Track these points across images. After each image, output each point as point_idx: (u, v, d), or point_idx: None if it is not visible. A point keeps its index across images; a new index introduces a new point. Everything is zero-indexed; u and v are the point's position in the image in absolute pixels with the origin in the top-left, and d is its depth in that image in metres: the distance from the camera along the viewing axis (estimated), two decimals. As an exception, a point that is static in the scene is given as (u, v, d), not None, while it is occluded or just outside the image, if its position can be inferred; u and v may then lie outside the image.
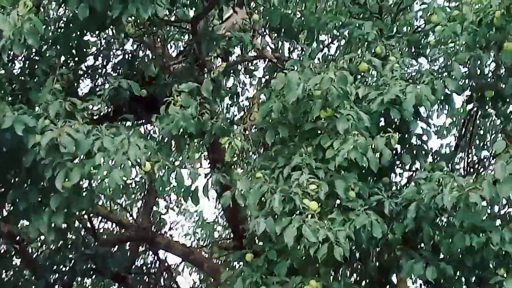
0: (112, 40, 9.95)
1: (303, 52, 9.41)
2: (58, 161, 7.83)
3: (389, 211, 7.88)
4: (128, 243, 12.77)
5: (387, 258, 8.39)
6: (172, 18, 10.10)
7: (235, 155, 8.38)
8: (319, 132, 8.15)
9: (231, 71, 9.84)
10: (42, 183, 8.27)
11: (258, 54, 10.59)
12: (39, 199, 8.31)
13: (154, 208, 12.56)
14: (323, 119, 8.07)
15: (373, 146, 7.73)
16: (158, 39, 10.26)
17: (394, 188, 8.52)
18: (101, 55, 9.96)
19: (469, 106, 9.61)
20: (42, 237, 10.03)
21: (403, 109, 8.06)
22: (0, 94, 8.43)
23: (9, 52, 7.89)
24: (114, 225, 12.91)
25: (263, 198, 7.62)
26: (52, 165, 7.86)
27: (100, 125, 8.12)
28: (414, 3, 10.05)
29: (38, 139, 7.79)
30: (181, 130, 8.18)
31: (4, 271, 12.02)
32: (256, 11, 10.18)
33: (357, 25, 9.11)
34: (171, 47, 10.69)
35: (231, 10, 10.20)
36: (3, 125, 7.73)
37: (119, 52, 10.13)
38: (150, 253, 13.31)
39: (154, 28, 9.93)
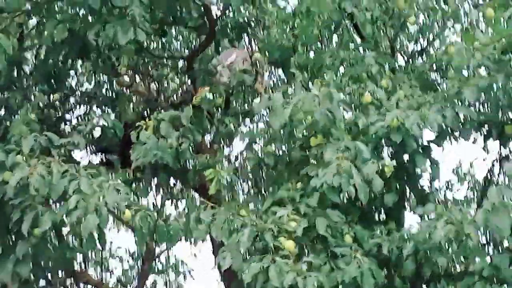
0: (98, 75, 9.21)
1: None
2: (27, 203, 7.03)
3: (388, 253, 6.85)
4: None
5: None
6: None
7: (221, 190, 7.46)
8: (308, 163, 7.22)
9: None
10: (8, 226, 7.40)
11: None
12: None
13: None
14: (313, 148, 7.15)
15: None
16: (151, 79, 9.53)
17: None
18: (84, 88, 9.22)
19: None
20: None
21: (407, 135, 7.08)
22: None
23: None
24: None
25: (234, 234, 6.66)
26: (20, 207, 7.05)
27: (78, 164, 7.34)
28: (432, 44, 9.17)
29: (6, 176, 7.01)
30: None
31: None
32: (257, 48, 9.40)
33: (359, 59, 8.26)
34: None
35: (233, 55, 9.37)
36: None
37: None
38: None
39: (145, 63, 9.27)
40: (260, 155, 7.65)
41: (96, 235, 6.99)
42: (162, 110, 8.56)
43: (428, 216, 7.03)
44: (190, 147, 7.60)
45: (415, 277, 7.05)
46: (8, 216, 7.15)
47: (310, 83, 8.34)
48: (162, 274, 12.02)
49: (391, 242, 6.96)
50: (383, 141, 7.24)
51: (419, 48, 9.26)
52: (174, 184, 9.11)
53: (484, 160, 9.19)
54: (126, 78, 9.45)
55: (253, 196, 7.69)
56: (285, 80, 9.45)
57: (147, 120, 7.61)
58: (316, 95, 6.88)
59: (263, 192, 7.68)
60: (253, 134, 7.42)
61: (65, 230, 7.57)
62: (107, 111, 9.09)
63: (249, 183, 8.08)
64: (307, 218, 6.67)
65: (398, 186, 7.41)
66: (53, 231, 7.44)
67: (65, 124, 8.83)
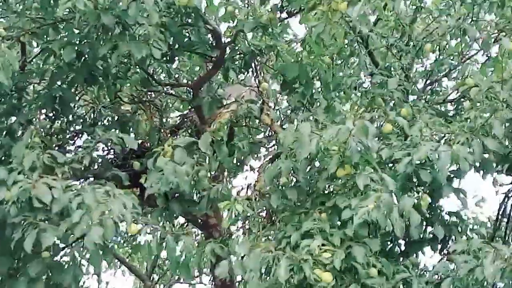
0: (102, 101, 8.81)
1: (318, 105, 8.23)
2: (29, 221, 6.60)
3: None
4: None
5: None
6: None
7: (236, 223, 7.10)
8: (334, 194, 6.88)
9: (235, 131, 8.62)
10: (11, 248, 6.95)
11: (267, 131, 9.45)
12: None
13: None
14: (340, 179, 6.82)
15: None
16: (155, 107, 9.18)
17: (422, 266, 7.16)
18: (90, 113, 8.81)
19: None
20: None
21: (435, 171, 6.80)
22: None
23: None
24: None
25: (265, 268, 6.26)
26: (22, 225, 6.61)
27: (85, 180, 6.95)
28: (448, 73, 8.95)
29: (8, 195, 6.57)
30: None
31: None
32: (264, 77, 9.11)
33: (379, 81, 8.00)
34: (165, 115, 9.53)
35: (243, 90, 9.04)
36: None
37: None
38: None
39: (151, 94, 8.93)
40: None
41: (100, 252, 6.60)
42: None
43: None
44: (208, 175, 7.22)
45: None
46: (10, 238, 6.70)
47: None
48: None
49: (421, 279, 6.65)
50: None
51: (434, 78, 9.07)
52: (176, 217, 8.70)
53: (496, 193, 9.03)
54: (128, 107, 9.11)
55: (269, 228, 7.28)
56: (292, 109, 9.19)
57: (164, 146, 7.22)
58: (350, 129, 6.53)
59: (278, 223, 7.28)
60: (276, 168, 7.00)
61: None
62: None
63: (264, 214, 7.68)
64: (342, 249, 6.30)
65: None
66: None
67: (67, 152, 8.39)
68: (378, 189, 6.33)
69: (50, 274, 6.99)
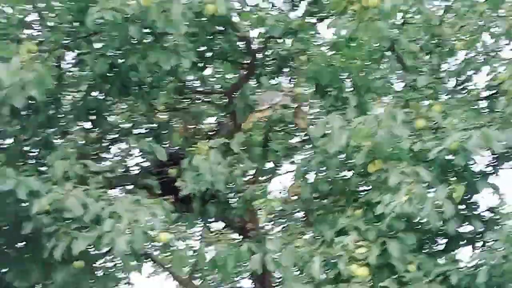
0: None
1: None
2: (62, 230, 6.72)
3: (457, 283, 6.45)
4: None
5: None
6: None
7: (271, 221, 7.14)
8: (367, 190, 6.89)
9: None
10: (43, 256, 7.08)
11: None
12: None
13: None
14: (372, 175, 6.82)
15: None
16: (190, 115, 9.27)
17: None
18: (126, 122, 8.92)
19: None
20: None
21: (468, 155, 6.71)
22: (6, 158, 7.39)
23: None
24: None
25: (299, 263, 6.27)
26: (55, 235, 6.74)
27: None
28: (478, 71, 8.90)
29: (42, 206, 6.67)
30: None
31: None
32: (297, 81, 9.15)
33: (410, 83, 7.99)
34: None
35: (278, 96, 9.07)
36: (3, 188, 6.68)
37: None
38: None
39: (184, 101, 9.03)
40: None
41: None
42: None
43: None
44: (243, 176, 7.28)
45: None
46: (42, 248, 6.85)
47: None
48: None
49: (459, 271, 6.61)
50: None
51: (464, 77, 9.03)
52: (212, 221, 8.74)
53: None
54: (164, 117, 9.22)
55: (304, 226, 7.31)
56: (326, 113, 9.19)
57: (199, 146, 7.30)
58: (377, 116, 6.52)
59: (312, 221, 7.29)
60: (308, 163, 7.02)
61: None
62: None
63: (299, 213, 7.72)
64: (376, 245, 6.29)
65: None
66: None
67: (102, 161, 8.51)
68: (410, 182, 6.30)
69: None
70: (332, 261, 6.22)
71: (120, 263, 7.60)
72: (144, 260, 7.12)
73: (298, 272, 6.37)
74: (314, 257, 6.17)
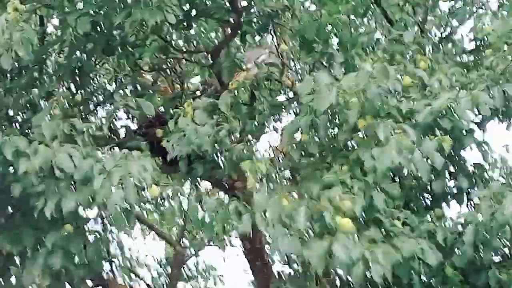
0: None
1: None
2: (51, 190, 6.64)
3: (443, 240, 6.47)
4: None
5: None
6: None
7: (259, 182, 7.09)
8: (356, 147, 6.86)
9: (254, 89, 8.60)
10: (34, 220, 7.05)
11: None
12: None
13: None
14: (360, 131, 6.79)
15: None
16: (175, 75, 9.21)
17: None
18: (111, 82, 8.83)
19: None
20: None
21: (456, 120, 6.73)
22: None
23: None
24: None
25: (285, 218, 6.23)
26: (44, 195, 6.66)
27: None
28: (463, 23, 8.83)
29: (30, 166, 6.58)
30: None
31: None
32: (283, 38, 9.09)
33: (395, 37, 7.93)
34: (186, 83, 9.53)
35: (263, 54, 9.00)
36: (-11, 149, 6.62)
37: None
38: None
39: (170, 60, 8.94)
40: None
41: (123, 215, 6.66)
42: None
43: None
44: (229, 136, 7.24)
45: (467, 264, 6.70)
46: (31, 209, 6.78)
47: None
48: (192, 280, 11.63)
49: (445, 229, 6.63)
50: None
51: (448, 31, 8.98)
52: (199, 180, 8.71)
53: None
54: (149, 77, 9.16)
55: (292, 186, 7.28)
56: (311, 69, 9.14)
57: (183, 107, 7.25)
58: (370, 72, 6.47)
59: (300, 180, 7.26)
60: (297, 123, 6.97)
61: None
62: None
63: (286, 173, 7.69)
64: (361, 197, 6.27)
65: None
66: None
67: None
68: (399, 132, 6.30)
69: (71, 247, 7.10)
70: (318, 214, 6.17)
71: (111, 225, 7.57)
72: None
73: (286, 229, 6.30)
74: (300, 208, 6.12)
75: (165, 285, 11.29)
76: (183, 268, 11.36)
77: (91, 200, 6.54)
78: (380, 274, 5.74)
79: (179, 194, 6.84)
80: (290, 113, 9.18)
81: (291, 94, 9.36)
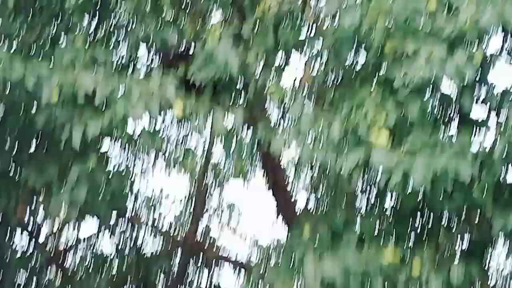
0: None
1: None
2: (75, 118, 6.64)
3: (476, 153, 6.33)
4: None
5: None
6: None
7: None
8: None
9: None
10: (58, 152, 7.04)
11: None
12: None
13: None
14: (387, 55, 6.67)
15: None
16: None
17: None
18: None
19: None
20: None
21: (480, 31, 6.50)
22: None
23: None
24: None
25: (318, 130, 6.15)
26: (68, 124, 6.66)
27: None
28: None
29: (52, 95, 6.58)
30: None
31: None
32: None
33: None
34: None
35: None
36: (12, 79, 6.58)
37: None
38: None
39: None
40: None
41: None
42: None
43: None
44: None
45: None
46: (57, 141, 6.79)
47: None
48: (215, 217, 11.65)
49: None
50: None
51: None
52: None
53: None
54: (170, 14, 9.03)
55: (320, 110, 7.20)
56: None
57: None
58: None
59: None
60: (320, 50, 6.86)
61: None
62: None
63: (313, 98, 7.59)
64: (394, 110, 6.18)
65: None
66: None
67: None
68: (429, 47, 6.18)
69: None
70: (353, 128, 6.09)
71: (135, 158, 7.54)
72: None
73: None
74: (334, 121, 6.03)
75: (188, 222, 11.30)
76: (207, 204, 11.38)
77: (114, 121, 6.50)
78: (419, 182, 5.63)
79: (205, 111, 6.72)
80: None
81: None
